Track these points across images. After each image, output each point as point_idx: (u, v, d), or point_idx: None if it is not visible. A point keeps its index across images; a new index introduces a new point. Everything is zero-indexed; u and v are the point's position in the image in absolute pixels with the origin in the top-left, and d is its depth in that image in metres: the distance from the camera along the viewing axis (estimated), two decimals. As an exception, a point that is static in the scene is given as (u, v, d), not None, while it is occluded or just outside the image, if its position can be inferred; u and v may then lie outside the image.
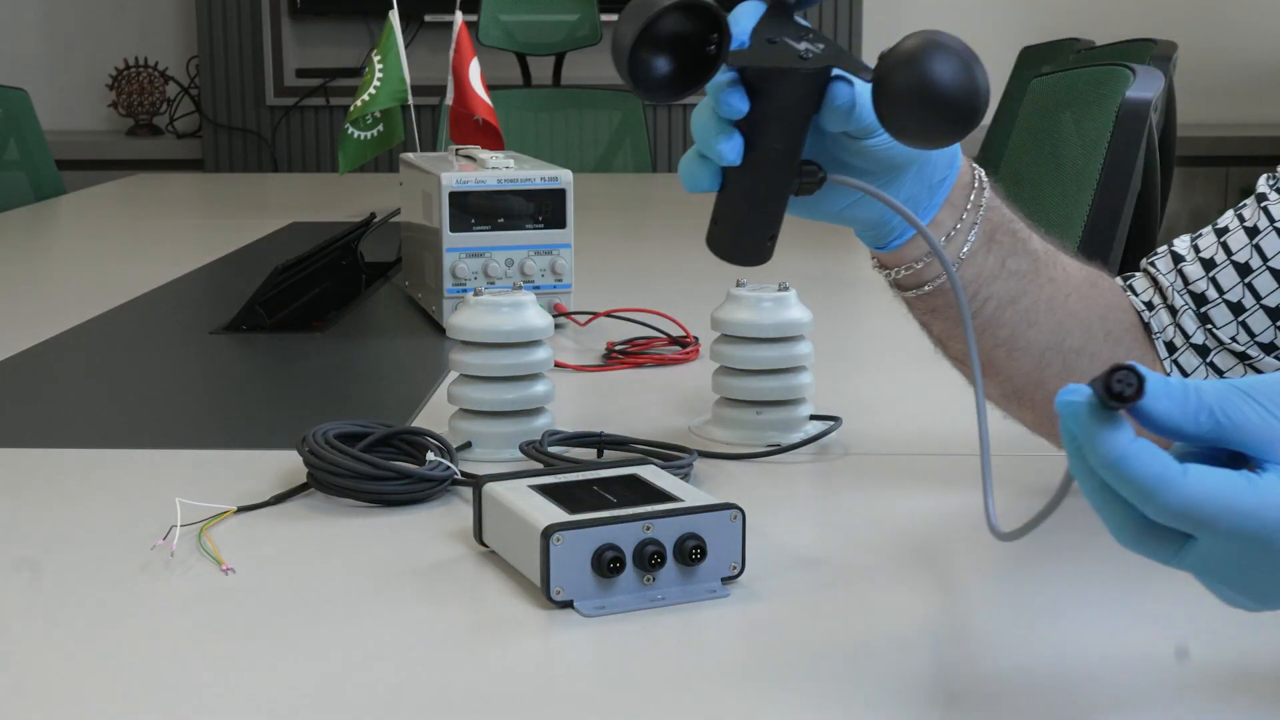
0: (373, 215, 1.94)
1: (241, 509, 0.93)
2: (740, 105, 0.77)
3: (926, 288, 0.90)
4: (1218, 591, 0.59)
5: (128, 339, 1.56)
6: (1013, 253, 0.90)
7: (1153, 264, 0.98)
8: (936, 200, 0.87)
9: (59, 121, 4.32)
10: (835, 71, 0.77)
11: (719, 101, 0.77)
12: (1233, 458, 0.57)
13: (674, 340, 1.42)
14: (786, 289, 1.11)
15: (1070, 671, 0.72)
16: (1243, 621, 0.64)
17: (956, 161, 0.87)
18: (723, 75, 0.77)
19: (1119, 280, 1.00)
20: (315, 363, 1.44)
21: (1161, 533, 0.57)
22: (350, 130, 2.36)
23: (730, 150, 0.78)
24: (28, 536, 0.93)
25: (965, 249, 0.88)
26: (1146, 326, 0.96)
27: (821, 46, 0.76)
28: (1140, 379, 0.53)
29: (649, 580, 0.78)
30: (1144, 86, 1.62)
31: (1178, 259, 0.97)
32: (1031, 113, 2.04)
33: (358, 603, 0.80)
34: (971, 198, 0.88)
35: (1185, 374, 0.95)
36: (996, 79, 3.63)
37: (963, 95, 0.72)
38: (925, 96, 0.73)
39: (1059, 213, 1.76)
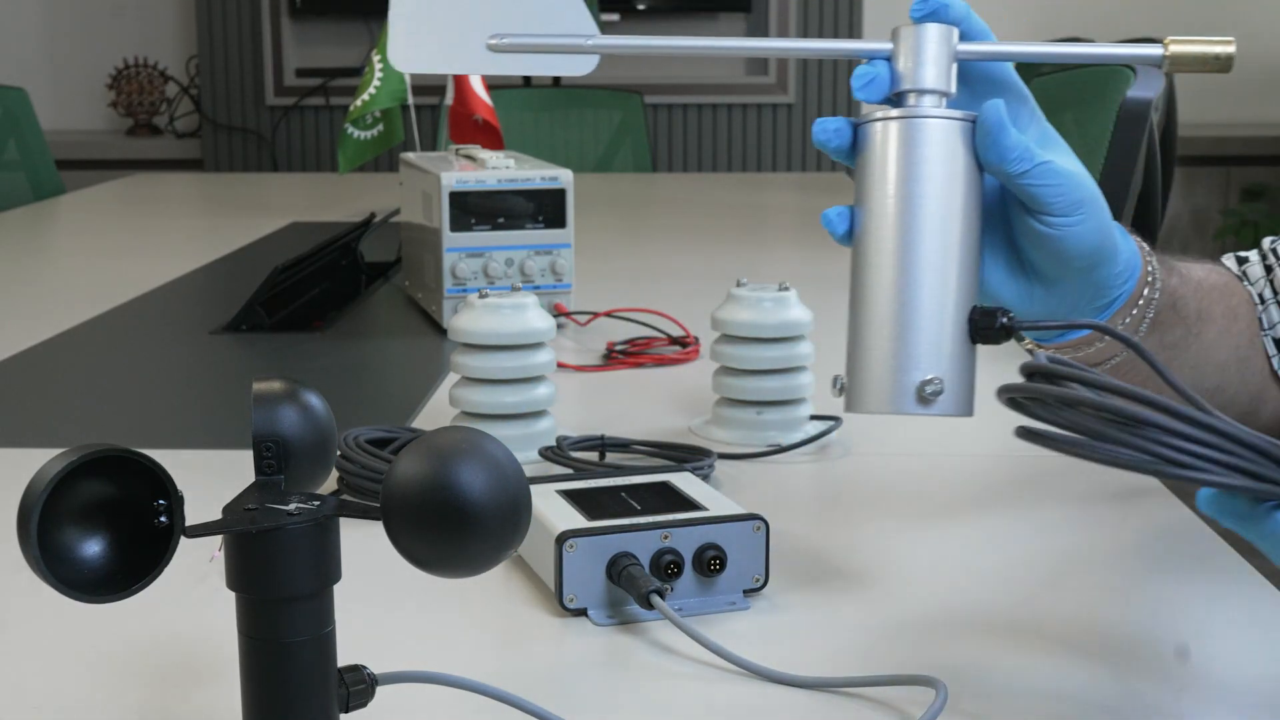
0: (372, 215, 1.94)
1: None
2: None
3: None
4: None
5: (128, 339, 1.56)
6: (1170, 328, 0.88)
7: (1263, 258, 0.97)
8: (1109, 307, 0.84)
9: (59, 121, 4.33)
10: None
11: None
12: None
13: (674, 340, 1.42)
14: (787, 289, 1.11)
15: (1085, 668, 0.72)
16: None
17: (1134, 275, 0.84)
18: None
19: (1233, 264, 0.98)
20: (315, 363, 1.44)
21: None
22: (350, 130, 2.36)
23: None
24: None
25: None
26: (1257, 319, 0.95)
27: (317, 503, 0.58)
28: None
29: (666, 590, 0.75)
30: (1145, 86, 1.62)
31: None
32: (1032, 113, 2.04)
33: (373, 602, 0.80)
34: (1144, 295, 0.85)
35: None
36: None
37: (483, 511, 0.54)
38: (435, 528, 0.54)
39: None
